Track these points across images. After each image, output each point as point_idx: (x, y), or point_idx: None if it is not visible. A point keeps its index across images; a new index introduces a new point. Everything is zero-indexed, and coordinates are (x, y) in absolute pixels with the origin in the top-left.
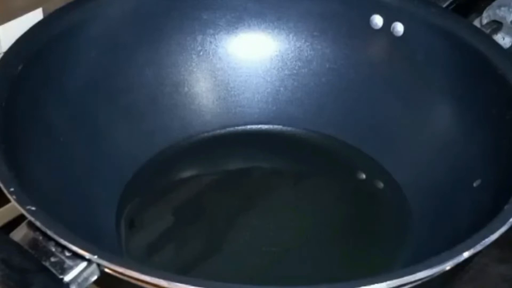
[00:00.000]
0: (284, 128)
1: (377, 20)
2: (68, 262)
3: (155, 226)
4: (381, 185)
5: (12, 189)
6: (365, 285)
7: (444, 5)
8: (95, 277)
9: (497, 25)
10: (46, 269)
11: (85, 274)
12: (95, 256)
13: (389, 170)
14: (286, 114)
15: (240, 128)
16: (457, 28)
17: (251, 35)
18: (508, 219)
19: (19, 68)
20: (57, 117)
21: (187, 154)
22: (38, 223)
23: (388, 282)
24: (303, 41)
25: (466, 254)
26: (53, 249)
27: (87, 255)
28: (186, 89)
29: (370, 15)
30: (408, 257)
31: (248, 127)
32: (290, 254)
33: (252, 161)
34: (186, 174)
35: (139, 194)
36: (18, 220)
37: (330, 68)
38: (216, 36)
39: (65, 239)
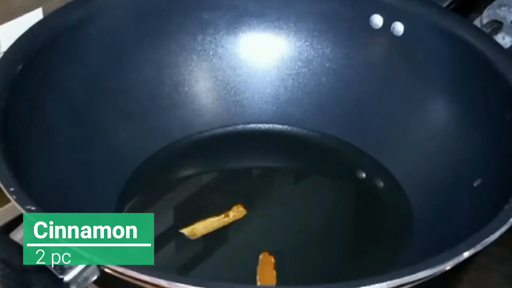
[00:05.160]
0: (284, 128)
1: (377, 20)
2: None
3: (155, 226)
4: (381, 184)
5: (12, 189)
6: (365, 285)
7: (444, 5)
8: (95, 277)
9: (497, 24)
10: (46, 269)
11: (85, 274)
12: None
13: (389, 169)
14: (286, 114)
15: (240, 127)
16: (457, 28)
17: (251, 35)
18: (508, 219)
19: (19, 68)
20: (57, 117)
21: (187, 153)
22: None
23: (388, 282)
24: (303, 41)
25: (466, 254)
26: None
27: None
28: (186, 88)
29: (370, 15)
30: (408, 257)
31: (248, 126)
32: (290, 254)
33: (252, 161)
34: (186, 173)
35: (139, 194)
36: (18, 220)
37: (330, 68)
38: (216, 36)
39: None
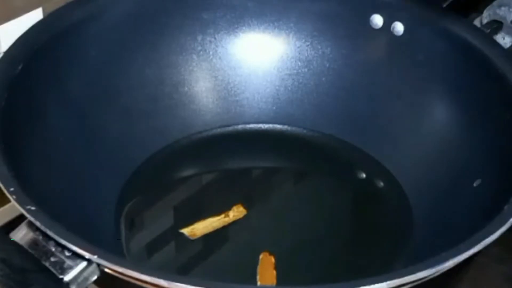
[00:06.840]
0: (284, 128)
1: (377, 20)
2: (68, 262)
3: (155, 226)
4: (381, 184)
5: (12, 189)
6: (365, 285)
7: (444, 5)
8: (95, 277)
9: (497, 24)
10: (46, 269)
11: (85, 274)
12: (95, 256)
13: (389, 169)
14: (286, 113)
15: (240, 127)
16: (457, 28)
17: (251, 35)
18: (508, 219)
19: (19, 68)
20: (57, 117)
21: (187, 153)
22: (38, 223)
23: (388, 282)
24: (303, 41)
25: (466, 254)
26: (53, 249)
27: (87, 255)
28: (186, 88)
29: (370, 14)
30: (408, 257)
31: (248, 126)
32: (289, 254)
33: (252, 161)
34: (186, 173)
35: (139, 194)
36: (18, 220)
37: (330, 68)
38: (216, 36)
39: (65, 239)
